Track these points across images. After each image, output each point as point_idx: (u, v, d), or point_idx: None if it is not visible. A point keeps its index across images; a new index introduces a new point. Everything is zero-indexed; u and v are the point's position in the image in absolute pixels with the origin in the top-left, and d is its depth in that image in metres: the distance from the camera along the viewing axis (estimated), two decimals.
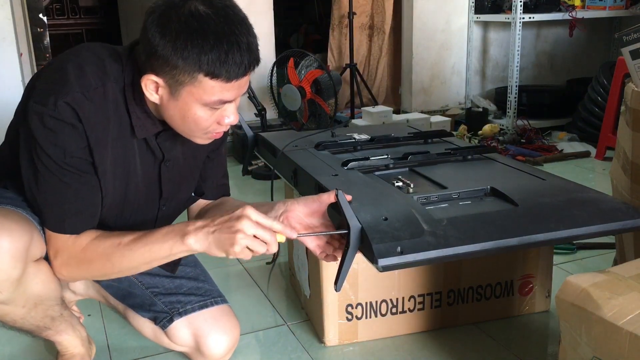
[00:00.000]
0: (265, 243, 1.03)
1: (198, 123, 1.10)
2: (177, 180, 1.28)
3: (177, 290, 1.38)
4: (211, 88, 1.04)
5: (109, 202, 1.18)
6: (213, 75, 1.02)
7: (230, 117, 1.12)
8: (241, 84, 1.07)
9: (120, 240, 1.12)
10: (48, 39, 3.38)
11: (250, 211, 1.03)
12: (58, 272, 1.17)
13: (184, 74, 1.02)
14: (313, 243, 1.16)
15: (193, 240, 1.06)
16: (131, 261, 1.11)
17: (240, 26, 1.03)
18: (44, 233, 1.17)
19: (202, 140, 1.16)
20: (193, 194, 1.38)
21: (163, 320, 1.36)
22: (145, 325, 1.40)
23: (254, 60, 1.06)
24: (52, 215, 1.13)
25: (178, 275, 1.40)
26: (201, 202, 1.41)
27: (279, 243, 1.06)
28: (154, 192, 1.25)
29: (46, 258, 1.19)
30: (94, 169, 1.12)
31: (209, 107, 1.07)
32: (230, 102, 1.09)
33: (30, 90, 1.10)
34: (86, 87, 1.07)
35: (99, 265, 1.14)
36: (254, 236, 1.02)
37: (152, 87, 1.07)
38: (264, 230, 1.03)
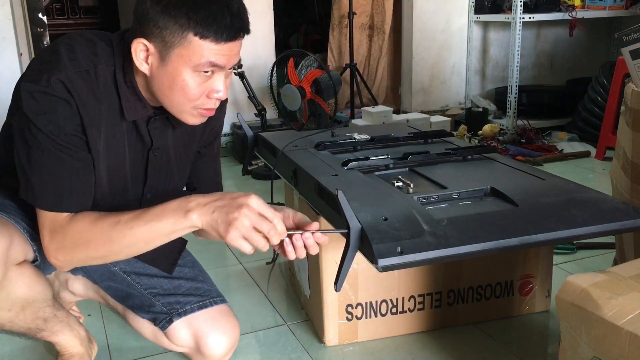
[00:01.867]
0: (264, 236, 1.01)
1: (186, 91, 1.08)
2: (165, 170, 1.28)
3: (175, 290, 1.38)
4: (200, 49, 1.04)
5: (100, 188, 1.18)
6: (202, 35, 1.03)
7: (219, 90, 1.10)
8: (231, 49, 1.07)
9: (119, 218, 1.08)
10: (48, 39, 3.38)
11: (254, 200, 1.02)
12: (54, 257, 1.12)
13: (174, 34, 1.03)
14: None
15: (196, 216, 1.04)
16: (132, 240, 1.08)
17: None
18: (30, 235, 1.17)
19: (191, 117, 1.14)
20: (185, 188, 1.38)
21: (162, 321, 1.35)
22: (144, 326, 1.40)
23: (244, 26, 1.07)
24: (47, 194, 1.10)
25: (176, 276, 1.40)
26: None
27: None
28: (139, 179, 1.25)
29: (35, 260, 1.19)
30: (88, 149, 1.12)
31: (199, 73, 1.07)
32: (220, 68, 1.08)
33: (25, 70, 1.12)
34: (78, 67, 1.09)
35: (97, 245, 1.09)
36: (254, 228, 1.01)
37: (142, 56, 1.07)
38: (263, 221, 1.01)
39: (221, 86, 1.11)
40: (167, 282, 1.39)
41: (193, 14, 1.02)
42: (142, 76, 1.12)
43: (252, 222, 1.01)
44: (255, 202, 1.02)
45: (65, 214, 1.12)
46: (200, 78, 1.08)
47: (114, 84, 1.13)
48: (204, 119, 1.17)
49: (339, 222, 1.25)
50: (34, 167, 1.10)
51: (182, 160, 1.31)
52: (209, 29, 1.03)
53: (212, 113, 1.16)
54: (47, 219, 1.12)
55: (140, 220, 1.07)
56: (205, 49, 1.04)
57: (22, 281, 1.16)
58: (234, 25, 1.04)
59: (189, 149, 1.31)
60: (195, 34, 1.03)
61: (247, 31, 1.08)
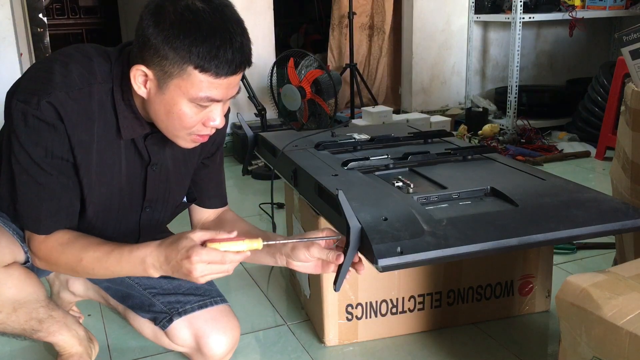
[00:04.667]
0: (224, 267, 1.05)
1: (182, 120, 1.07)
2: (164, 185, 1.27)
3: (175, 290, 1.38)
4: (199, 82, 1.03)
5: (94, 204, 1.18)
6: (202, 68, 1.01)
7: (216, 119, 1.10)
8: (230, 84, 1.06)
9: (82, 256, 1.13)
10: (48, 39, 3.38)
11: (196, 254, 1.02)
12: (38, 264, 1.19)
13: (174, 65, 1.02)
14: (310, 266, 1.17)
15: (153, 272, 1.09)
16: (94, 274, 1.16)
17: (236, 26, 1.03)
18: (20, 237, 1.18)
19: (184, 142, 1.14)
20: (185, 199, 1.37)
21: (163, 320, 1.35)
22: (145, 326, 1.40)
23: (245, 60, 1.05)
24: (27, 215, 1.14)
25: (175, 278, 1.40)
26: (204, 214, 1.40)
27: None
28: (137, 194, 1.25)
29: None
30: (76, 169, 1.13)
31: (195, 104, 1.06)
32: (217, 102, 1.07)
33: (17, 87, 1.10)
34: (70, 86, 1.07)
35: (65, 269, 1.17)
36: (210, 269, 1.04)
37: (140, 80, 1.06)
38: (215, 264, 1.04)
39: (218, 117, 1.10)
40: (167, 282, 1.39)
41: (195, 47, 0.99)
42: (139, 96, 1.11)
43: (206, 269, 1.03)
44: (198, 254, 1.02)
45: (45, 236, 1.15)
46: (197, 108, 1.07)
47: (111, 102, 1.12)
48: (196, 144, 1.16)
49: (339, 221, 1.26)
50: (17, 186, 1.12)
51: (181, 173, 1.30)
52: (210, 64, 1.00)
53: (206, 139, 1.15)
54: (27, 234, 1.17)
55: (102, 264, 1.12)
56: (205, 83, 1.02)
57: (11, 282, 1.17)
58: (235, 60, 1.02)
59: (188, 162, 1.31)
60: (195, 67, 1.01)
61: (249, 64, 1.07)
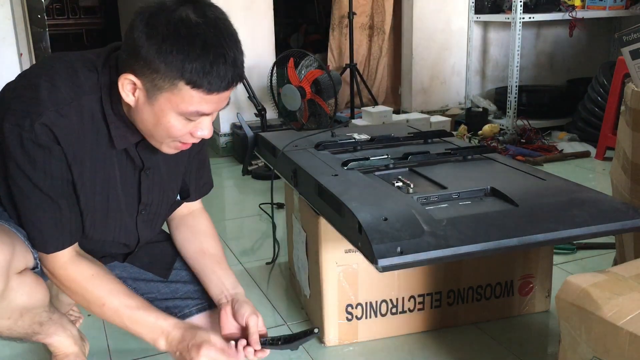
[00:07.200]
0: None
1: (170, 131, 1.07)
2: (158, 187, 1.27)
3: (173, 294, 1.37)
4: (190, 98, 1.01)
5: (92, 214, 1.18)
6: (194, 84, 0.99)
7: (204, 130, 1.09)
8: (221, 99, 1.04)
9: (104, 301, 1.18)
10: (48, 39, 3.38)
11: (206, 347, 1.14)
12: (52, 279, 1.22)
13: (165, 79, 1.00)
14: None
15: (164, 345, 1.19)
16: (111, 319, 1.20)
17: (229, 40, 1.01)
18: (30, 243, 1.18)
19: (167, 148, 1.13)
20: (179, 197, 1.37)
21: None
22: None
23: (238, 76, 1.03)
24: (33, 235, 1.15)
25: (173, 280, 1.39)
26: (177, 211, 1.40)
27: None
28: (132, 199, 1.25)
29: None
30: (73, 186, 1.13)
31: (185, 117, 1.05)
32: (207, 115, 1.07)
33: (5, 110, 1.07)
34: (60, 103, 1.05)
35: (81, 301, 1.21)
36: None
37: (129, 88, 1.04)
38: None
39: (206, 129, 1.09)
40: (164, 286, 1.38)
41: (188, 63, 0.97)
42: (127, 103, 1.09)
43: None
44: (208, 348, 1.14)
45: (52, 254, 1.16)
46: (186, 121, 1.06)
47: (102, 113, 1.11)
48: (178, 151, 1.16)
49: (339, 221, 1.26)
50: (21, 207, 1.13)
51: (173, 174, 1.30)
52: (203, 80, 0.99)
53: (189, 146, 1.15)
54: (44, 257, 1.18)
55: (122, 318, 1.18)
56: (195, 98, 1.01)
57: (23, 290, 1.16)
58: (227, 76, 1.00)
59: (179, 162, 1.30)
60: (187, 83, 0.99)
61: (241, 79, 1.05)
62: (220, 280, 1.31)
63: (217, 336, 1.17)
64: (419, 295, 1.57)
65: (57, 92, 1.06)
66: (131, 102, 1.06)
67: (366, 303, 1.53)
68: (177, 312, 1.34)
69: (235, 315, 1.24)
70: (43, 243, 1.15)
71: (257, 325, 1.21)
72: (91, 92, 1.09)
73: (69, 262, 1.17)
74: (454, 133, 3.34)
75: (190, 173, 1.36)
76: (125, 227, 1.27)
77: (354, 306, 1.53)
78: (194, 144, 1.19)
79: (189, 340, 1.15)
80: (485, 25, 4.13)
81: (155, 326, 1.18)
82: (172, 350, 1.18)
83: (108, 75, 1.10)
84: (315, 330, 1.21)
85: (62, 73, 1.08)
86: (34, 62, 3.20)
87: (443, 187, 1.34)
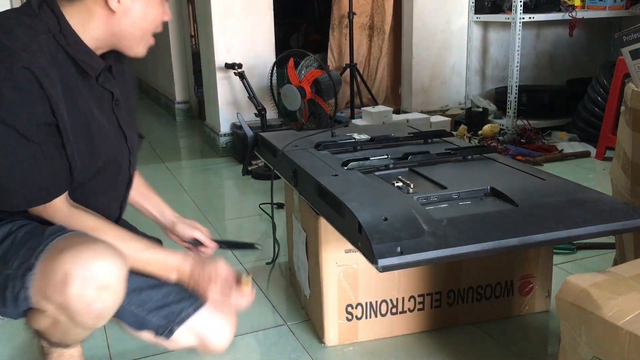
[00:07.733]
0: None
1: (156, 19, 1.18)
2: (128, 120, 1.28)
3: (166, 300, 1.33)
4: None
5: (83, 162, 1.16)
6: None
7: (169, 14, 1.23)
8: None
9: (121, 237, 1.20)
10: None
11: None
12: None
13: None
14: None
15: (174, 275, 1.28)
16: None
17: None
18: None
19: (144, 48, 1.21)
20: None
21: (163, 333, 1.33)
22: (144, 334, 1.38)
23: None
24: (27, 189, 1.11)
25: (163, 283, 1.37)
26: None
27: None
28: (120, 136, 1.25)
29: None
30: (58, 130, 1.10)
31: (161, 3, 1.18)
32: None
33: None
34: (25, 45, 1.05)
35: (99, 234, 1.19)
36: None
37: None
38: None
39: (169, 13, 1.24)
40: (155, 292, 1.33)
41: None
42: (100, 26, 1.12)
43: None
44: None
45: (57, 200, 1.14)
46: (161, 5, 1.19)
47: (62, 50, 1.11)
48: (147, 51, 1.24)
49: (339, 221, 1.26)
50: (9, 171, 1.08)
51: (130, 107, 1.32)
52: None
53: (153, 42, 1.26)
54: (46, 212, 1.14)
55: (128, 262, 1.18)
56: None
57: None
58: None
59: (130, 98, 1.32)
60: None
61: None
62: (161, 208, 1.49)
63: (222, 265, 1.28)
64: (419, 295, 1.57)
65: (16, 38, 1.05)
66: (116, 9, 1.12)
67: (366, 303, 1.53)
68: (175, 317, 1.32)
69: (185, 231, 1.46)
70: (39, 196, 1.11)
71: (204, 234, 1.46)
72: (43, 32, 1.09)
73: (69, 215, 1.15)
74: (454, 133, 3.34)
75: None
76: (121, 172, 1.28)
77: (354, 306, 1.53)
78: (128, 78, 1.29)
79: (199, 273, 1.27)
80: (485, 25, 4.13)
81: (165, 263, 1.26)
82: (184, 281, 1.28)
83: (50, 12, 1.11)
84: (258, 246, 1.52)
85: (9, 23, 1.09)
86: None
87: (443, 187, 1.34)
